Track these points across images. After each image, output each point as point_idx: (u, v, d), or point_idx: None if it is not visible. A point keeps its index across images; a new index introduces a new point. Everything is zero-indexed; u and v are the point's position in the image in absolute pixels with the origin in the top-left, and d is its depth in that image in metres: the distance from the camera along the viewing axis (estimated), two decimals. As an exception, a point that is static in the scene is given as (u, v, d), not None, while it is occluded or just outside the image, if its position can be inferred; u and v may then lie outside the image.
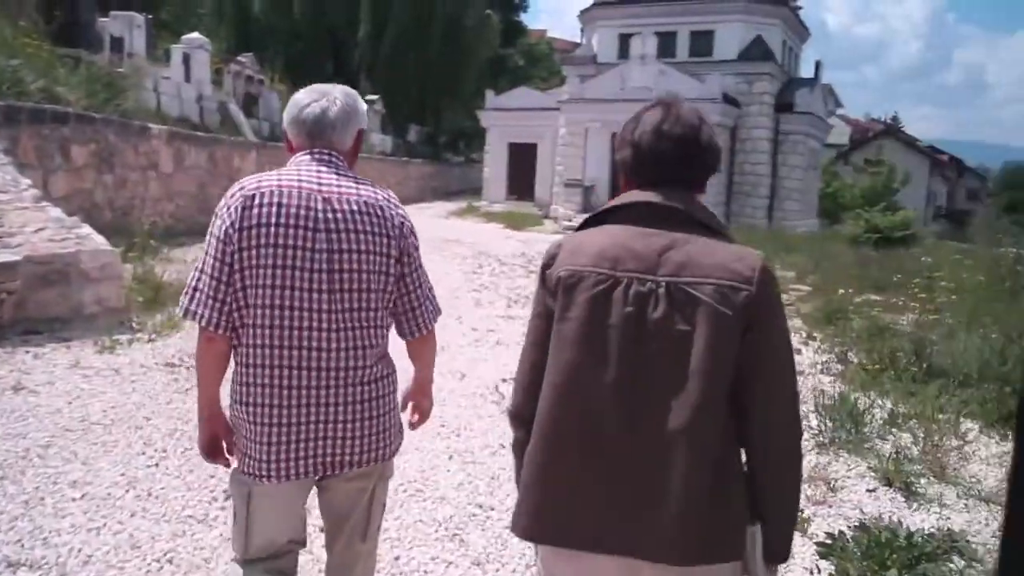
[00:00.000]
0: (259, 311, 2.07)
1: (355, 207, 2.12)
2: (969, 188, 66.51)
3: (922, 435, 5.45)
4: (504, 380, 6.56)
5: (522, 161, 31.32)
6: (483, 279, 13.18)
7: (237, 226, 2.05)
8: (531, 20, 69.06)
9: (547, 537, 1.76)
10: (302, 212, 2.06)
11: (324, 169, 2.16)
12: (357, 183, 2.18)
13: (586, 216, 1.90)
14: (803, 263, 17.03)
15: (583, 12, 31.43)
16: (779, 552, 1.77)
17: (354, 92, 2.33)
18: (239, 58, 22.93)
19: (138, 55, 17.46)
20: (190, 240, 13.30)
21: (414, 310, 2.28)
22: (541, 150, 31.37)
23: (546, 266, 1.81)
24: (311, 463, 2.16)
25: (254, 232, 2.04)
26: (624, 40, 28.72)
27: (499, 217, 26.82)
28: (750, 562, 1.74)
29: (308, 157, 2.19)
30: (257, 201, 2.06)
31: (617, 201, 1.83)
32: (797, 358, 8.08)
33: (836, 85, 31.23)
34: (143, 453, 4.65)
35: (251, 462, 2.16)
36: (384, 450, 2.27)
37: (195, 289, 2.10)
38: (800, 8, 30.69)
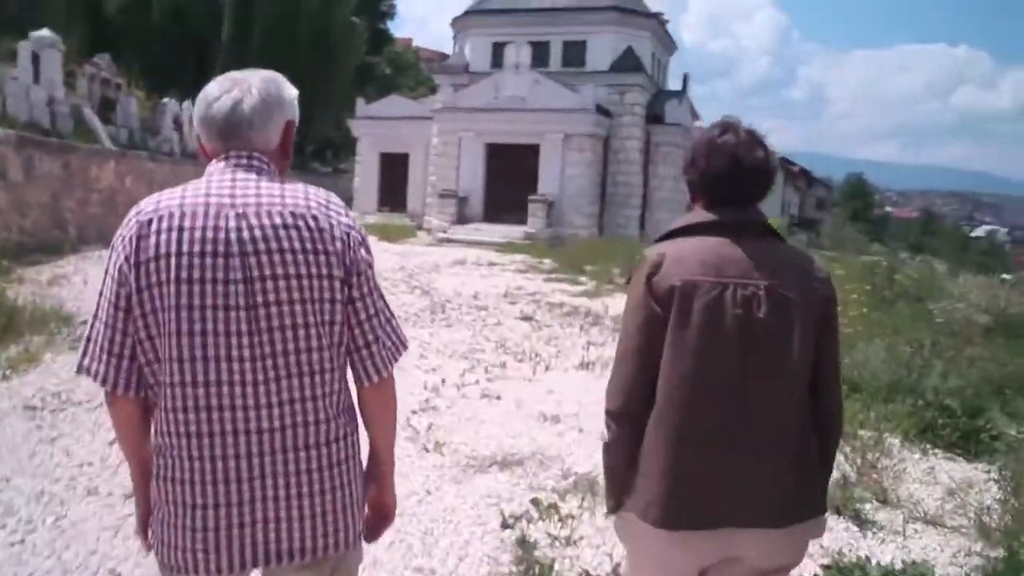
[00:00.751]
0: (172, 365, 1.64)
1: (279, 220, 1.67)
2: (818, 198, 70.22)
3: (854, 455, 5.24)
4: (415, 412, 5.95)
5: (394, 171, 30.59)
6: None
7: (132, 261, 1.64)
8: (396, 29, 68.53)
9: (683, 523, 1.92)
10: (209, 235, 1.63)
11: (241, 177, 1.73)
12: (282, 189, 1.73)
13: (672, 228, 2.06)
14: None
15: (455, 20, 31.04)
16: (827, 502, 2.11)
17: (278, 77, 1.85)
18: (95, 60, 21.23)
19: (-25, 52, 15.79)
20: (45, 258, 12.10)
21: (368, 346, 1.77)
22: (413, 160, 30.76)
23: (652, 275, 1.93)
24: (248, 553, 1.70)
25: (152, 267, 1.63)
26: (497, 49, 28.50)
27: (372, 229, 25.83)
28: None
29: (223, 164, 1.76)
30: (154, 227, 1.64)
31: (704, 217, 2.01)
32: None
33: (692, 98, 32.10)
34: (3, 526, 3.78)
35: (172, 552, 1.71)
36: (343, 533, 1.77)
37: (89, 340, 1.70)
38: (667, 21, 31.32)
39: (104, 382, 1.68)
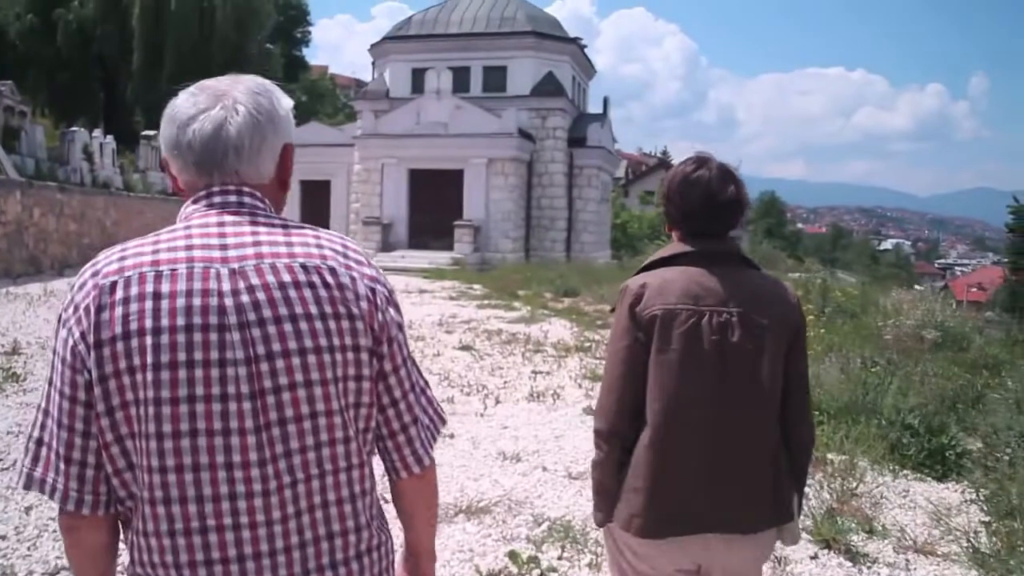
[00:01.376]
0: (152, 477, 1.23)
1: (287, 277, 1.27)
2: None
3: (829, 482, 5.06)
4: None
5: (316, 198, 29.90)
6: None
7: (92, 339, 1.22)
8: (311, 56, 67.77)
9: (669, 530, 2.02)
10: (196, 302, 1.23)
11: (231, 220, 1.32)
12: (287, 233, 1.33)
13: (652, 259, 2.15)
14: (613, 293, 16.98)
15: (374, 46, 30.66)
16: (799, 510, 2.19)
17: (267, 85, 1.42)
18: (-5, 85, 20.14)
19: None
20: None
21: (406, 429, 1.42)
22: (335, 187, 30.20)
23: (634, 304, 2.03)
24: None
25: (120, 347, 1.21)
26: (418, 75, 28.23)
27: (295, 258, 25.26)
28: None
29: (204, 203, 1.35)
30: (120, 294, 1.23)
31: (681, 248, 2.11)
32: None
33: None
34: None
35: None
36: None
37: (39, 443, 1.28)
38: (586, 46, 31.56)
39: (63, 500, 1.26)
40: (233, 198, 1.34)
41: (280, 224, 1.34)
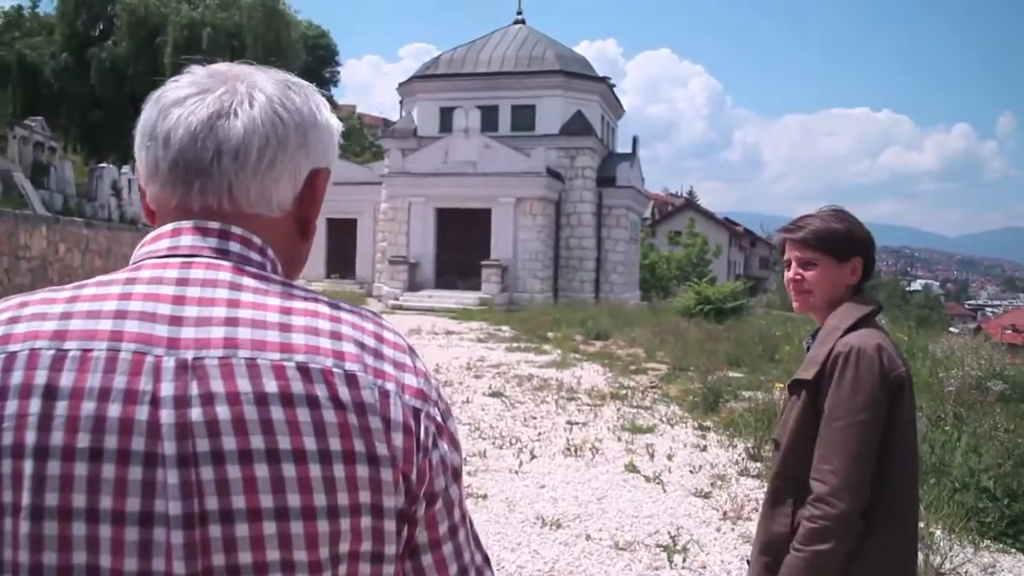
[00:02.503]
0: None
1: (272, 385, 0.77)
2: (761, 257, 71.14)
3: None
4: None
5: (342, 237, 29.73)
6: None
7: None
8: (340, 96, 68.53)
9: None
10: (114, 411, 0.74)
11: (200, 276, 0.82)
12: (287, 309, 0.82)
13: (860, 316, 2.01)
14: (646, 338, 16.52)
15: (402, 85, 30.64)
16: None
17: (307, 85, 0.97)
18: (26, 121, 20.20)
19: None
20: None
21: None
22: (362, 225, 30.05)
23: (890, 370, 1.90)
24: None
25: None
26: (445, 113, 28.10)
27: (320, 297, 24.99)
28: None
29: (167, 240, 0.86)
30: None
31: (871, 304, 2.06)
32: (703, 456, 7.24)
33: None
34: None
35: None
36: None
37: None
38: (614, 85, 31.38)
39: None
40: (213, 240, 0.85)
41: (280, 292, 0.84)
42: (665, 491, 5.98)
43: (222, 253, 0.84)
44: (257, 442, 0.74)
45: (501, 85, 28.34)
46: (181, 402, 0.74)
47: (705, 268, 35.55)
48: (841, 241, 2.05)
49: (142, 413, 0.73)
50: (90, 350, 0.75)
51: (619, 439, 7.67)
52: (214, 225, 0.86)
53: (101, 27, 34.88)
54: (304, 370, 0.77)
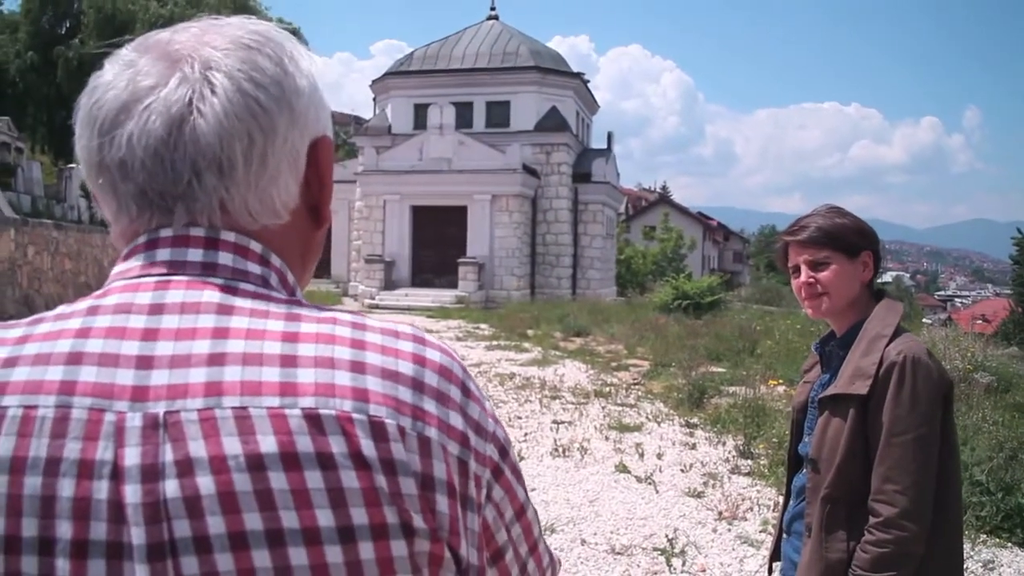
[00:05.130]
0: None
1: (270, 443, 0.57)
2: (734, 251, 71.61)
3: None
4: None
5: (316, 237, 29.40)
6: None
7: None
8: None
9: None
10: (65, 489, 0.56)
11: (177, 300, 0.63)
12: (292, 335, 0.62)
13: (898, 323, 1.90)
14: (626, 333, 16.45)
15: (375, 82, 30.36)
16: None
17: (273, 34, 0.72)
18: (-10, 121, 19.79)
19: None
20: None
21: None
22: (336, 224, 29.71)
23: (942, 379, 1.80)
24: None
25: None
26: (420, 110, 27.89)
27: (295, 297, 24.71)
28: None
29: (140, 257, 0.67)
30: None
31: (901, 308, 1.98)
32: (693, 454, 7.16)
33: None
34: None
35: None
36: None
37: None
38: (588, 81, 31.29)
39: None
40: (197, 252, 0.66)
41: (284, 312, 0.65)
42: (657, 492, 5.88)
43: (209, 268, 0.66)
44: (253, 521, 0.56)
45: (475, 81, 28.17)
46: (151, 473, 0.56)
47: (680, 263, 35.61)
48: (851, 234, 1.94)
49: (100, 491, 0.56)
50: (34, 407, 0.58)
51: (607, 438, 7.57)
52: (198, 232, 0.67)
53: (68, 25, 34.26)
54: (313, 418, 0.59)
